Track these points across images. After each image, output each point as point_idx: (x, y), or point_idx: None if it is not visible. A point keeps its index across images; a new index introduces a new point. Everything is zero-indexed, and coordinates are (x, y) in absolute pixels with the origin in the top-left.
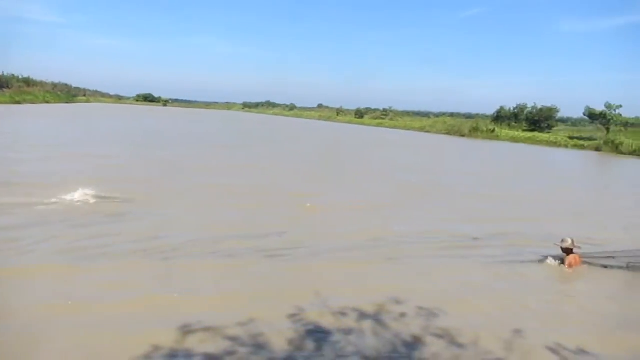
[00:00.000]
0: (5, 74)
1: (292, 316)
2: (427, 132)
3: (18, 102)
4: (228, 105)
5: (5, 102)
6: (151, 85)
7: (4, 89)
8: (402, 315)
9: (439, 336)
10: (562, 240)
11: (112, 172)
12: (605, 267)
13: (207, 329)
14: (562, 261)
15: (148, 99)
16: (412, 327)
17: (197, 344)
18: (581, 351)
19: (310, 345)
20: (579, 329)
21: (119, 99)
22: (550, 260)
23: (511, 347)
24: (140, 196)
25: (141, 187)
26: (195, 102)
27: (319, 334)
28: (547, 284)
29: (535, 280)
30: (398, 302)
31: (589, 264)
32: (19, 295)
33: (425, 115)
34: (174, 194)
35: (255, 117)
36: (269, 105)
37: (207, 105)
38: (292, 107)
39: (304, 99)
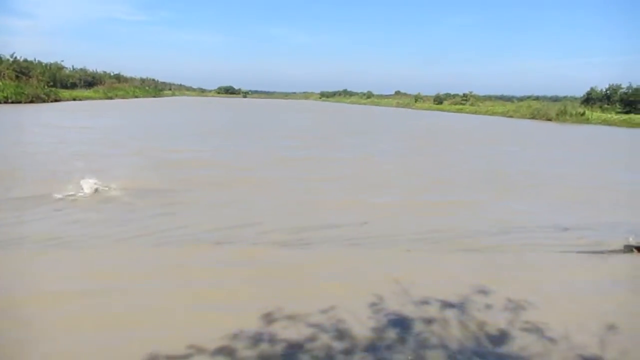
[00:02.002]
0: (98, 71)
1: (372, 304)
2: (511, 117)
3: (110, 97)
4: (306, 95)
5: (99, 98)
6: (231, 78)
7: (98, 86)
8: (488, 307)
9: (527, 330)
10: None
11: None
12: None
13: (289, 316)
14: None
15: (229, 91)
16: (498, 319)
17: (280, 329)
18: None
19: (392, 334)
20: None
21: (201, 91)
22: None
23: (605, 344)
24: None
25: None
26: (274, 92)
27: (400, 323)
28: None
29: (628, 274)
30: (483, 293)
31: None
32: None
33: (509, 99)
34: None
35: (331, 106)
36: (346, 93)
37: (286, 95)
38: (369, 95)
39: (380, 87)
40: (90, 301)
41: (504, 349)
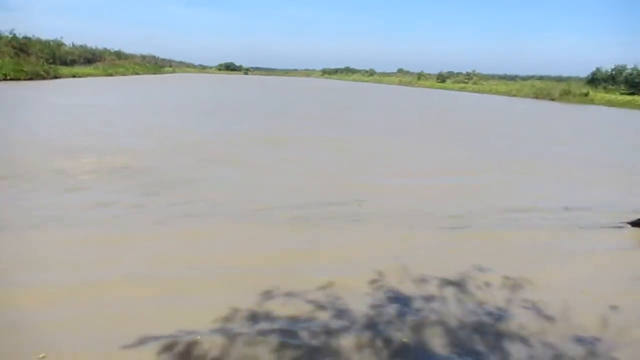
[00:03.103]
0: (98, 48)
1: (372, 282)
2: (514, 96)
3: (110, 75)
4: (307, 72)
5: (99, 75)
6: (232, 54)
7: (98, 63)
8: (487, 284)
9: (526, 308)
10: None
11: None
12: None
13: (287, 293)
14: None
15: (229, 67)
16: (497, 297)
17: (277, 307)
18: None
19: (391, 311)
20: None
21: (202, 68)
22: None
23: (606, 323)
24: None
25: (227, 155)
26: (275, 69)
27: (399, 301)
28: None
29: (626, 249)
30: (482, 270)
31: None
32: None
33: (512, 78)
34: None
35: (333, 84)
36: (348, 71)
37: (286, 72)
38: (371, 73)
39: (383, 65)
40: (81, 277)
41: (503, 327)
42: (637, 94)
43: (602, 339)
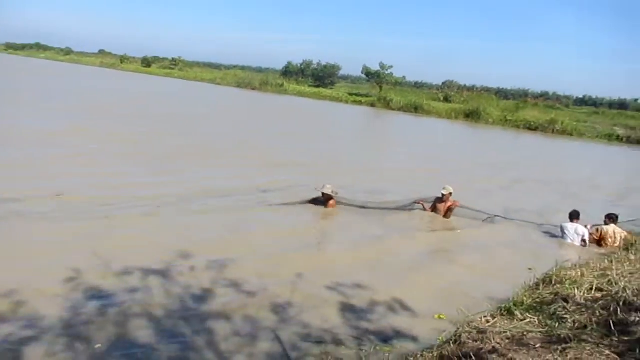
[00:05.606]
0: None
1: (68, 281)
2: (218, 84)
3: None
4: None
5: None
6: None
7: None
8: (192, 269)
9: (229, 286)
10: (323, 186)
11: None
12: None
13: None
14: (325, 204)
15: None
16: (202, 280)
17: None
18: (356, 286)
19: (91, 309)
20: (352, 270)
21: None
22: (311, 204)
23: (295, 291)
24: None
25: None
26: None
27: (100, 297)
28: (316, 227)
29: (305, 222)
30: (187, 256)
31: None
32: None
33: (217, 67)
34: None
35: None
36: (39, 47)
37: None
38: (68, 52)
39: (82, 44)
40: None
41: (207, 308)
42: (322, 86)
43: (293, 304)
